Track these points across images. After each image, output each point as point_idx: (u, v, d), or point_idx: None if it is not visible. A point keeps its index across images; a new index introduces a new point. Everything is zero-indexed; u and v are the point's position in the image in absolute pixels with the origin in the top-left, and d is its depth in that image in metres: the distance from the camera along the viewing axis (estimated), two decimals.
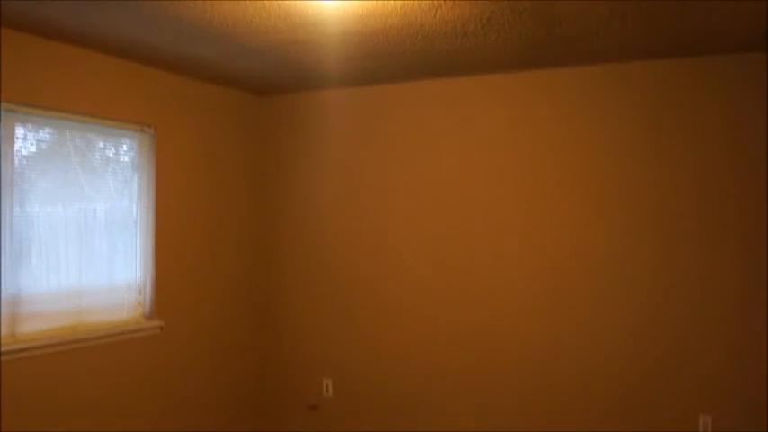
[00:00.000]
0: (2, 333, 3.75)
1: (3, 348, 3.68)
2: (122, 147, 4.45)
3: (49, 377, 3.92)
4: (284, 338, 5.56)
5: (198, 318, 5.00)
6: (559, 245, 4.62)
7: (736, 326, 4.19)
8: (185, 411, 4.88)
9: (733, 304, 4.21)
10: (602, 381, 4.51)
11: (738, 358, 4.19)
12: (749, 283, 4.18)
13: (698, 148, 4.27)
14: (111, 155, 4.38)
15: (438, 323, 4.99)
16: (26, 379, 3.81)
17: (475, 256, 4.87)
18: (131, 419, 4.41)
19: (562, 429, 4.60)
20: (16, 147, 3.83)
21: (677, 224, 4.32)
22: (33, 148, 3.94)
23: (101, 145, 4.30)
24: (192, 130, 4.94)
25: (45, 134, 4.00)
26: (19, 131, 3.85)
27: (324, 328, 5.39)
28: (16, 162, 3.82)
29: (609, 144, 4.48)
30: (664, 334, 4.36)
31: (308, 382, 5.45)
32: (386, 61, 4.37)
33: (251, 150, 5.56)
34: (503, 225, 4.78)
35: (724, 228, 4.23)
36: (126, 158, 4.47)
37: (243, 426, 5.45)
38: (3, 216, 3.75)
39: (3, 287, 3.76)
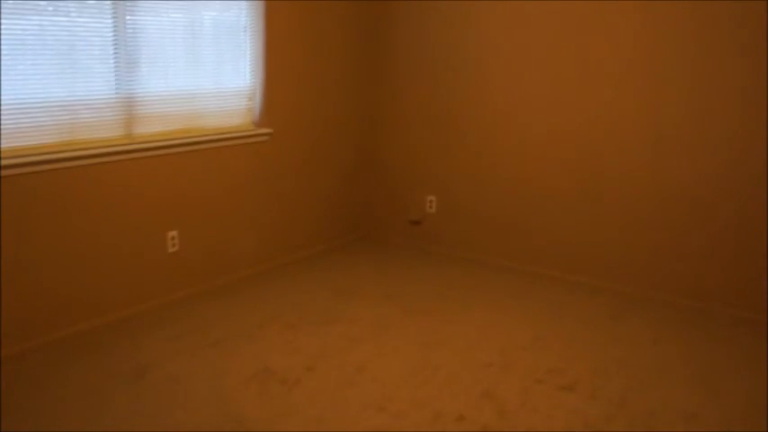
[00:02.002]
0: (119, 134, 4.00)
1: (120, 149, 3.93)
2: None
3: (162, 177, 4.18)
4: (391, 154, 5.61)
5: (306, 128, 5.09)
6: (685, 81, 4.33)
7: None
8: (291, 217, 5.14)
9: None
10: (704, 217, 4.44)
11: None
12: None
13: None
14: None
15: (546, 146, 4.87)
16: (142, 178, 4.08)
17: (590, 79, 4.64)
18: (237, 223, 4.72)
19: (658, 258, 4.60)
20: None
21: None
22: None
23: None
24: None
25: None
26: None
27: (431, 147, 5.38)
28: None
29: None
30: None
31: (413, 198, 5.55)
32: None
33: None
34: (616, 51, 4.46)
35: None
36: None
37: (345, 236, 5.70)
38: (116, 23, 3.86)
39: (118, 89, 3.95)
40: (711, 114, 4.28)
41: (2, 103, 3.43)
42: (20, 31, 3.45)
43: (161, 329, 3.97)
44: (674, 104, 4.37)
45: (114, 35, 3.84)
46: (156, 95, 4.13)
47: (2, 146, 3.48)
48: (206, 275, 4.54)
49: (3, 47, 3.39)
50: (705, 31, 4.21)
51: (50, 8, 3.55)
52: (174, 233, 4.29)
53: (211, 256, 4.56)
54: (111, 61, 3.86)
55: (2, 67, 3.41)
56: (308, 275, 4.91)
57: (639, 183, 4.57)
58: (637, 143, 4.54)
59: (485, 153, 5.13)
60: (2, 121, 3.45)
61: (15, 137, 3.52)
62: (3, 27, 3.37)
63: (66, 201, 3.72)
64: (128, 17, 3.91)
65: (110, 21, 3.80)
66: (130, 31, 3.94)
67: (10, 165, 3.44)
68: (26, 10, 3.45)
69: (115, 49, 3.86)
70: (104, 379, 3.40)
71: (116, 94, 3.91)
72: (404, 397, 3.31)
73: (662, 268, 4.61)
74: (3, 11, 3.35)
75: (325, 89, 5.18)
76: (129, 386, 3.34)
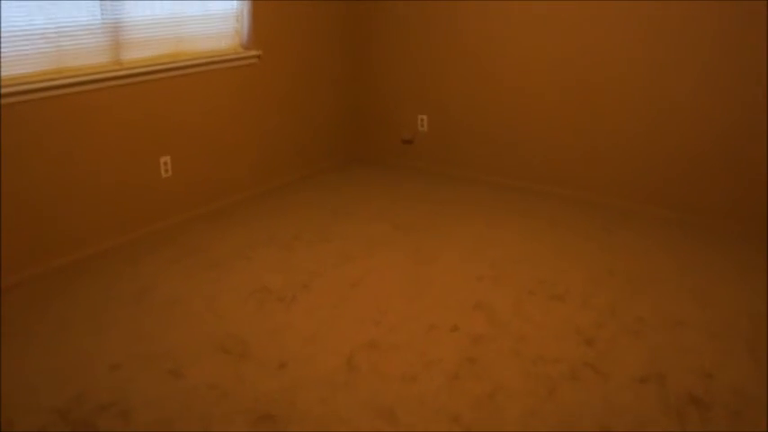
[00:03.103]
0: (107, 60, 3.96)
1: (109, 75, 3.90)
2: None
3: (152, 103, 4.17)
4: (382, 75, 5.56)
5: (296, 49, 5.05)
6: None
7: None
8: (283, 140, 5.14)
9: None
10: (697, 132, 4.44)
11: None
12: None
13: None
14: None
15: (541, 64, 4.84)
16: (132, 104, 4.07)
17: (589, 12, 4.56)
18: (229, 146, 4.72)
19: (651, 173, 4.65)
20: None
21: None
22: None
23: None
24: None
25: None
26: None
27: (422, 66, 5.33)
28: None
29: None
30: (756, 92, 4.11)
31: (404, 117, 5.54)
32: None
33: None
34: None
35: None
36: None
37: (338, 158, 5.70)
38: None
39: (103, 14, 3.89)
40: (704, 24, 4.24)
41: None
42: None
43: (159, 253, 4.03)
44: (668, 17, 4.33)
45: None
46: (142, 20, 4.08)
47: None
48: (201, 199, 4.58)
49: None
50: None
51: None
52: (166, 158, 4.30)
53: (205, 180, 4.59)
54: None
55: None
56: (301, 197, 4.95)
57: (634, 97, 4.56)
58: (631, 57, 4.51)
59: (477, 70, 5.10)
60: None
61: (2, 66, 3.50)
62: None
63: (57, 129, 3.73)
64: None
65: None
66: None
67: None
68: None
69: None
70: (105, 302, 3.47)
71: (102, 19, 3.86)
72: (398, 310, 3.39)
73: (656, 182, 4.64)
74: None
75: (314, 10, 5.11)
76: (130, 308, 3.41)
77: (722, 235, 4.37)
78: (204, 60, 4.40)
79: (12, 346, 3.09)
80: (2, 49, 3.47)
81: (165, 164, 4.30)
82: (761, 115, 4.18)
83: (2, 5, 3.41)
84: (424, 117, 5.43)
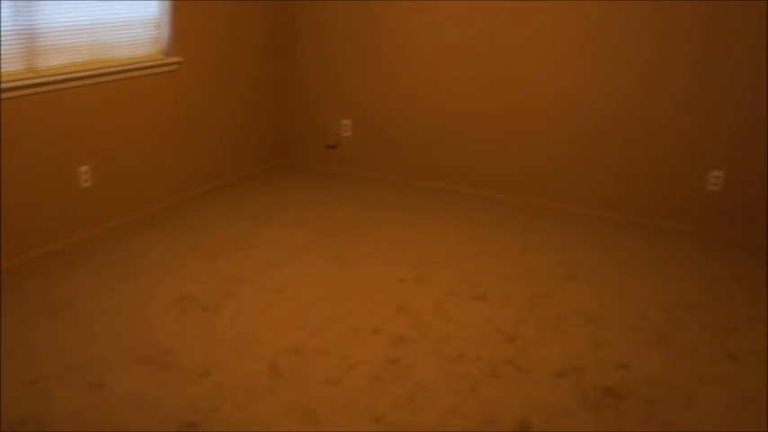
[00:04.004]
0: (21, 67, 3.86)
1: (23, 83, 3.80)
2: None
3: (70, 112, 4.08)
4: (305, 79, 5.57)
5: (218, 55, 5.02)
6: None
7: (755, 78, 4.15)
8: (207, 147, 5.09)
9: (757, 58, 4.13)
10: (616, 133, 4.61)
11: (756, 112, 4.21)
12: None
13: None
14: None
15: (463, 67, 4.93)
16: (49, 113, 3.97)
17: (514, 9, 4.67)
18: (152, 154, 4.66)
19: (570, 172, 4.80)
20: None
21: None
22: None
23: None
24: None
25: None
26: None
27: (345, 70, 5.37)
28: None
29: None
30: (678, 88, 4.36)
31: (328, 122, 5.56)
32: None
33: None
34: None
35: None
36: None
37: (262, 164, 5.68)
38: None
39: (16, 20, 3.79)
40: (632, 23, 4.39)
41: None
42: None
43: (81, 264, 3.96)
44: (593, 15, 4.47)
45: None
46: (58, 26, 4.01)
47: None
48: (124, 209, 4.51)
49: None
50: None
51: None
52: (85, 168, 4.23)
53: (128, 188, 4.52)
54: None
55: None
56: (226, 204, 4.92)
57: (553, 97, 4.69)
58: (553, 56, 4.64)
59: (399, 74, 5.16)
60: None
61: None
62: None
63: None
64: None
65: None
66: None
67: None
68: None
69: None
70: (23, 316, 3.39)
71: (14, 25, 3.78)
72: (321, 314, 3.41)
73: (575, 181, 4.77)
74: None
75: (235, 13, 5.09)
76: (50, 321, 3.35)
77: (639, 231, 4.52)
78: (124, 67, 4.35)
79: None
80: None
81: (85, 173, 4.23)
82: (681, 113, 4.35)
83: None
84: (348, 122, 5.46)
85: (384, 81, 5.23)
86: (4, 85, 3.72)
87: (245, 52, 5.26)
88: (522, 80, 4.75)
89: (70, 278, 3.79)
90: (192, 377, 2.90)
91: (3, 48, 3.76)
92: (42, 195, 4.02)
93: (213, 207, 4.86)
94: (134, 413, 2.67)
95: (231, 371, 2.95)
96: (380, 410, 2.69)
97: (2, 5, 3.68)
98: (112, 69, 4.27)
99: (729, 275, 3.96)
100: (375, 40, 5.18)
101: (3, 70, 3.78)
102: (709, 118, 4.30)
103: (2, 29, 3.71)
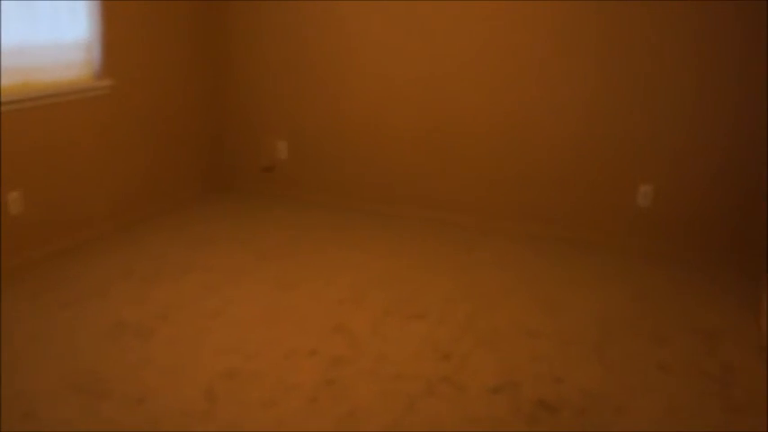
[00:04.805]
0: None
1: None
2: None
3: None
4: (241, 102, 5.56)
5: (151, 77, 4.97)
6: (512, 22, 4.56)
7: (681, 97, 4.33)
8: (142, 171, 5.02)
9: (684, 78, 4.31)
10: (548, 150, 4.71)
11: (682, 133, 4.37)
12: (700, 57, 4.25)
13: None
14: None
15: (397, 88, 4.99)
16: None
17: (438, 24, 4.78)
18: (85, 179, 4.59)
19: (507, 190, 4.87)
20: None
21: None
22: None
23: None
24: None
25: None
26: None
27: (280, 93, 5.37)
28: None
29: None
30: (608, 105, 4.50)
31: (264, 144, 5.55)
32: None
33: None
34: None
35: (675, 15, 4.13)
36: None
37: (199, 187, 5.63)
38: None
39: None
40: (568, 41, 4.50)
41: None
42: None
43: (12, 292, 3.86)
44: (526, 33, 4.57)
45: None
46: None
47: None
48: (57, 235, 4.42)
49: None
50: None
51: None
52: (15, 194, 4.14)
53: (61, 214, 4.44)
54: None
55: None
56: (161, 229, 4.87)
57: (489, 117, 4.77)
58: (487, 75, 4.72)
59: (336, 95, 5.18)
60: None
61: None
62: None
63: None
64: None
65: None
66: None
67: None
68: None
69: None
70: None
71: None
72: (258, 338, 3.39)
73: (510, 199, 4.85)
74: None
75: (170, 35, 5.06)
76: None
77: (574, 245, 4.61)
78: (54, 92, 4.27)
79: None
80: None
81: (15, 200, 4.14)
82: (612, 129, 4.47)
83: None
84: (284, 143, 5.46)
85: (319, 102, 5.25)
86: None
87: (179, 75, 5.23)
88: (456, 99, 4.82)
89: (4, 305, 3.70)
90: (127, 405, 2.85)
91: None
92: None
93: (148, 232, 4.80)
94: None
95: (166, 397, 2.91)
96: (318, 431, 2.69)
97: None
98: (42, 93, 4.20)
99: (659, 288, 4.07)
100: (310, 62, 5.20)
101: None
102: (639, 133, 4.43)
103: None
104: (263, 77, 5.39)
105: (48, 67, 4.29)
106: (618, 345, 3.41)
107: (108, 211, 4.78)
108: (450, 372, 3.13)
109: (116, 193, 4.82)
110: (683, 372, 3.20)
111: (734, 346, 3.44)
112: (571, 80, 4.51)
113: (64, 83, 4.38)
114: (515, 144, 4.75)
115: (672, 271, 4.32)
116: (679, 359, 3.30)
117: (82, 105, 4.46)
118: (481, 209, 4.95)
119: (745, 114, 4.20)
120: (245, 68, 5.45)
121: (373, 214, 5.19)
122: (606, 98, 4.46)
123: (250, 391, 2.95)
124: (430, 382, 3.04)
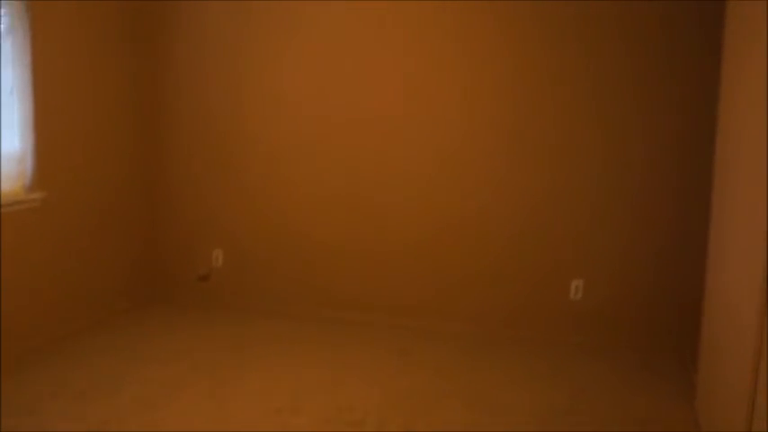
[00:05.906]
0: None
1: None
2: None
3: None
4: (175, 211, 5.57)
5: (84, 189, 4.96)
6: (446, 116, 4.83)
7: (605, 200, 4.60)
8: (73, 284, 4.95)
9: (631, 178, 4.56)
10: (482, 251, 4.88)
11: (608, 227, 4.61)
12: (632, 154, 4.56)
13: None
14: None
15: (326, 198, 5.12)
16: None
17: (371, 135, 4.97)
18: (15, 293, 4.46)
19: (442, 291, 4.98)
20: None
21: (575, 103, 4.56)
22: None
23: None
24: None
25: None
26: None
27: (215, 200, 5.42)
28: None
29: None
30: (541, 203, 4.72)
31: (199, 253, 5.55)
32: None
33: (137, 13, 5.35)
34: (396, 99, 4.88)
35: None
36: None
37: (134, 298, 5.56)
38: None
39: None
40: (485, 146, 4.68)
41: None
42: None
43: None
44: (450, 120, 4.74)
45: None
46: None
47: None
48: None
49: None
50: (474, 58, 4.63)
51: None
52: None
53: None
54: None
55: None
56: (94, 342, 4.75)
57: (420, 218, 4.92)
58: (409, 186, 4.87)
59: (269, 203, 5.26)
60: None
61: None
62: None
63: None
64: None
65: None
66: None
67: None
68: None
69: None
70: None
71: None
72: None
73: (446, 300, 4.94)
74: None
75: (103, 147, 5.09)
76: None
77: (511, 343, 4.69)
78: None
79: None
80: None
81: None
82: (542, 227, 4.64)
83: None
84: (220, 252, 5.46)
85: (253, 210, 5.31)
86: None
87: (112, 186, 5.22)
88: (387, 203, 4.95)
89: None
90: None
91: None
92: None
93: (82, 345, 4.69)
94: None
95: None
96: None
97: None
98: None
99: (594, 380, 4.16)
100: (243, 170, 5.29)
101: None
102: (568, 230, 4.62)
103: None
104: (198, 187, 5.43)
105: None
106: None
107: (41, 325, 4.67)
108: None
109: (49, 305, 4.73)
110: None
111: None
112: (503, 185, 4.70)
113: None
114: (449, 247, 4.88)
115: (606, 362, 4.43)
116: None
117: (13, 218, 4.40)
118: (417, 311, 5.01)
119: (669, 207, 4.45)
120: (179, 178, 5.49)
121: (309, 320, 5.18)
122: (537, 199, 4.66)
123: None
124: None
